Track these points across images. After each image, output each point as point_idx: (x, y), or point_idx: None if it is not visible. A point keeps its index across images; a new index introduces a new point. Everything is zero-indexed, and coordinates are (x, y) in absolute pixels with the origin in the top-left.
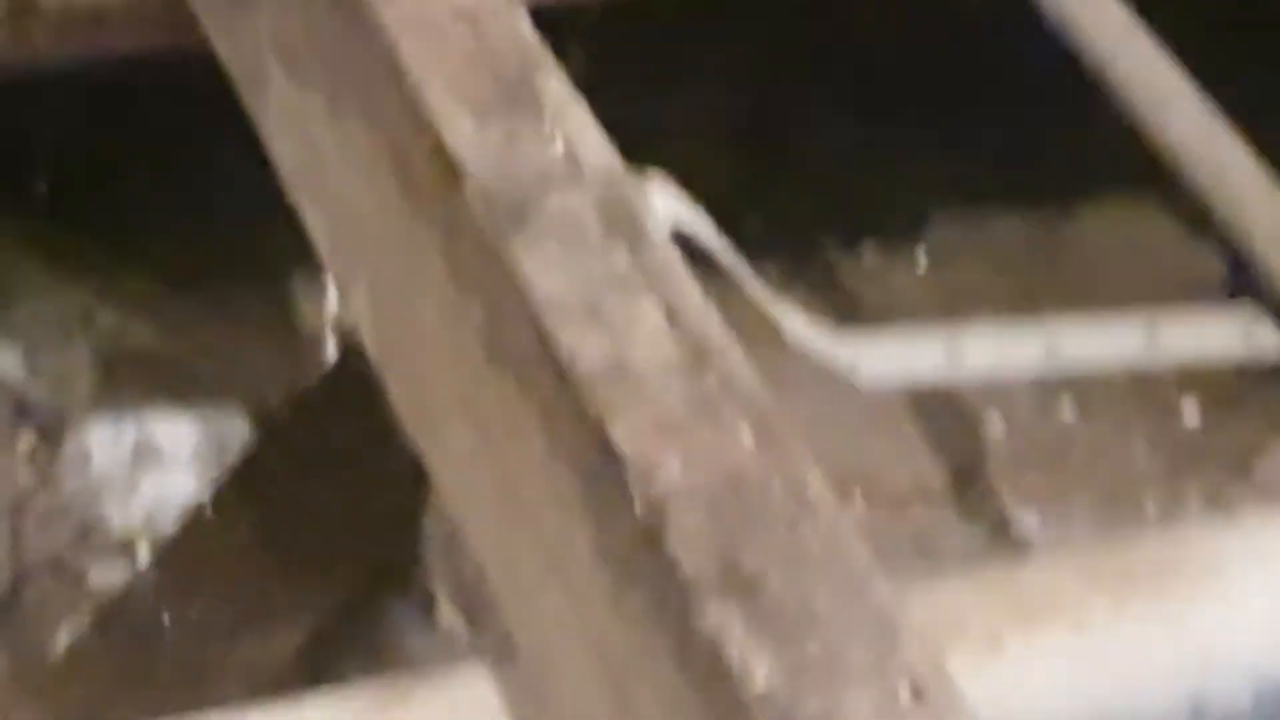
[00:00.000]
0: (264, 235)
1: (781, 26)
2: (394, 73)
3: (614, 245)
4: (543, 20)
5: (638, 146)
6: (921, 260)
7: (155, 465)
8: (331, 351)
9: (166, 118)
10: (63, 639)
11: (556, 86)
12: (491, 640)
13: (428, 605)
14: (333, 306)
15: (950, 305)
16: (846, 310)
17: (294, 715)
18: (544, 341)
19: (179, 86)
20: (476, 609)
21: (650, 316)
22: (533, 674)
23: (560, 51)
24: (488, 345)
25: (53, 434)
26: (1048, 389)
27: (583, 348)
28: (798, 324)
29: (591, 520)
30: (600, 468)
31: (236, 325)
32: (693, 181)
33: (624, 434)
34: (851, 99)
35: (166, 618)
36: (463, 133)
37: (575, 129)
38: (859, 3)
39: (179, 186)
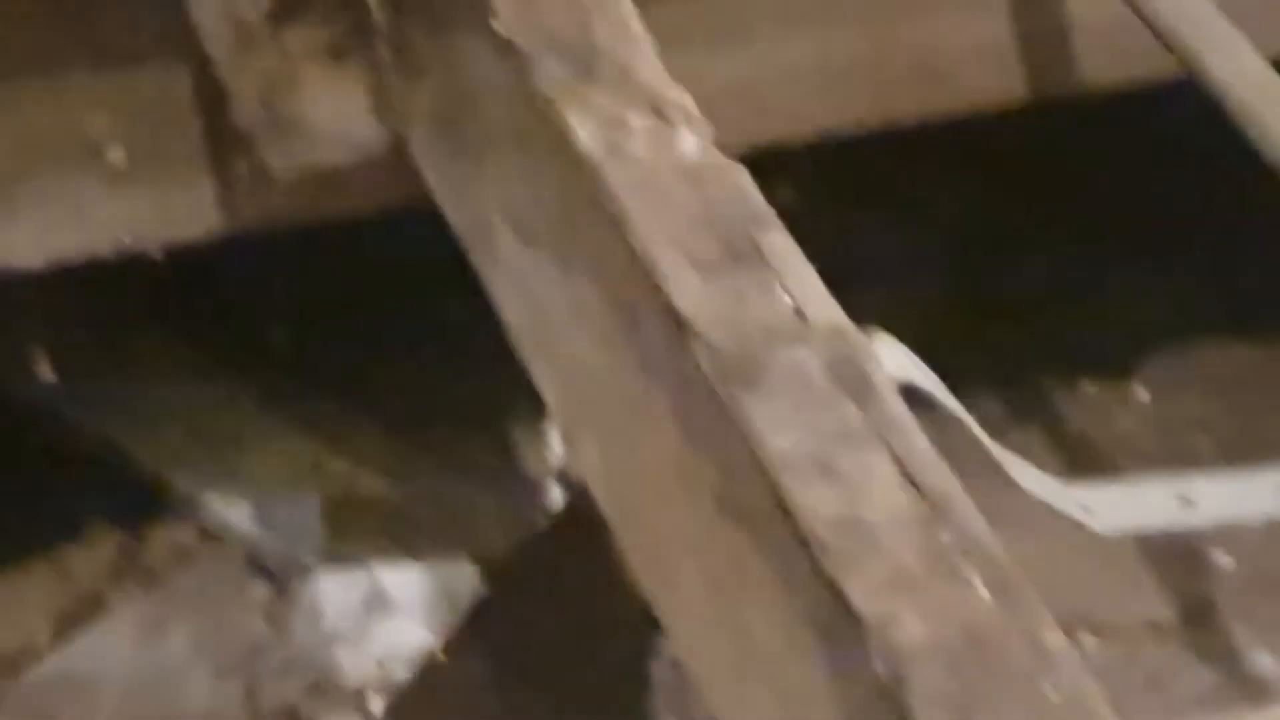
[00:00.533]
0: (487, 384)
1: (992, 161)
2: (622, 233)
3: (843, 399)
4: (754, 164)
5: (850, 287)
6: (1141, 393)
7: (386, 614)
8: (556, 498)
9: (393, 269)
10: None
11: (781, 242)
12: None
13: None
14: (556, 454)
15: (1173, 437)
16: (1069, 447)
17: None
18: (777, 497)
19: (407, 241)
20: None
21: (882, 470)
22: None
23: (771, 193)
24: (720, 499)
25: (285, 585)
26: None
27: (816, 503)
28: (1028, 475)
29: (830, 676)
30: (837, 624)
31: (463, 473)
32: (906, 320)
33: (860, 590)
34: (1063, 231)
35: None
36: (691, 290)
37: (801, 285)
38: (1069, 135)
39: (405, 336)
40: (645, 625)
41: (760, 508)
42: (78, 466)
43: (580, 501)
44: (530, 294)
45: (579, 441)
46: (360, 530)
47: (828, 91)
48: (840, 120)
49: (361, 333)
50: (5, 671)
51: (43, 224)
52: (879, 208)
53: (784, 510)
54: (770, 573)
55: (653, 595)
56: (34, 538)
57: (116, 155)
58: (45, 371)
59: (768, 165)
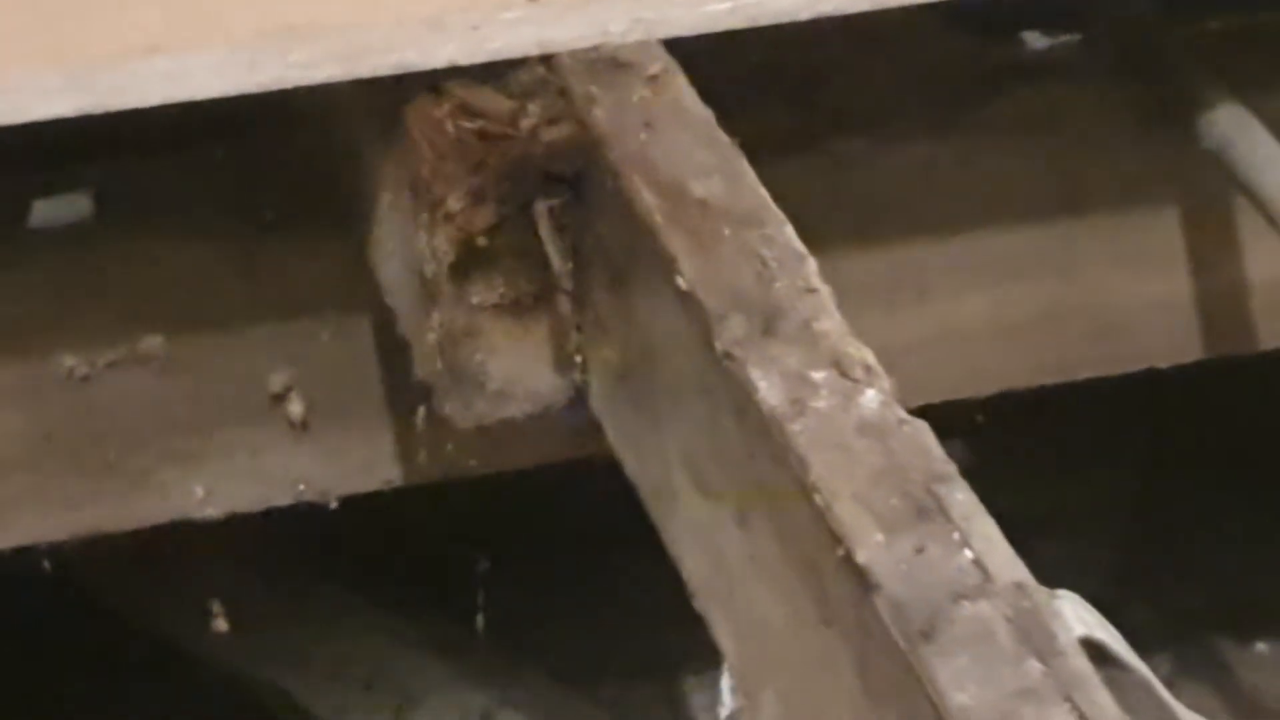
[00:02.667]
0: (657, 637)
1: (1165, 413)
2: (803, 487)
3: (1026, 655)
4: (933, 417)
5: (1026, 536)
6: None
7: None
8: None
9: (563, 520)
10: None
11: (964, 498)
12: None
13: None
14: (728, 708)
15: None
16: (1240, 706)
17: None
18: None
19: (575, 493)
20: None
21: None
22: None
23: (949, 446)
24: None
25: None
26: None
27: None
28: None
29: None
30: None
31: None
32: (1081, 570)
33: None
34: (1238, 487)
35: None
36: (873, 545)
37: (983, 541)
38: (1239, 386)
39: (573, 586)
40: None
41: None
42: (255, 718)
43: None
44: (710, 547)
45: (758, 695)
46: None
47: (1004, 348)
48: (1016, 377)
49: (529, 583)
50: None
51: (223, 476)
52: (1056, 456)
53: None
54: None
55: None
56: None
57: (296, 408)
58: (220, 623)
59: (946, 417)
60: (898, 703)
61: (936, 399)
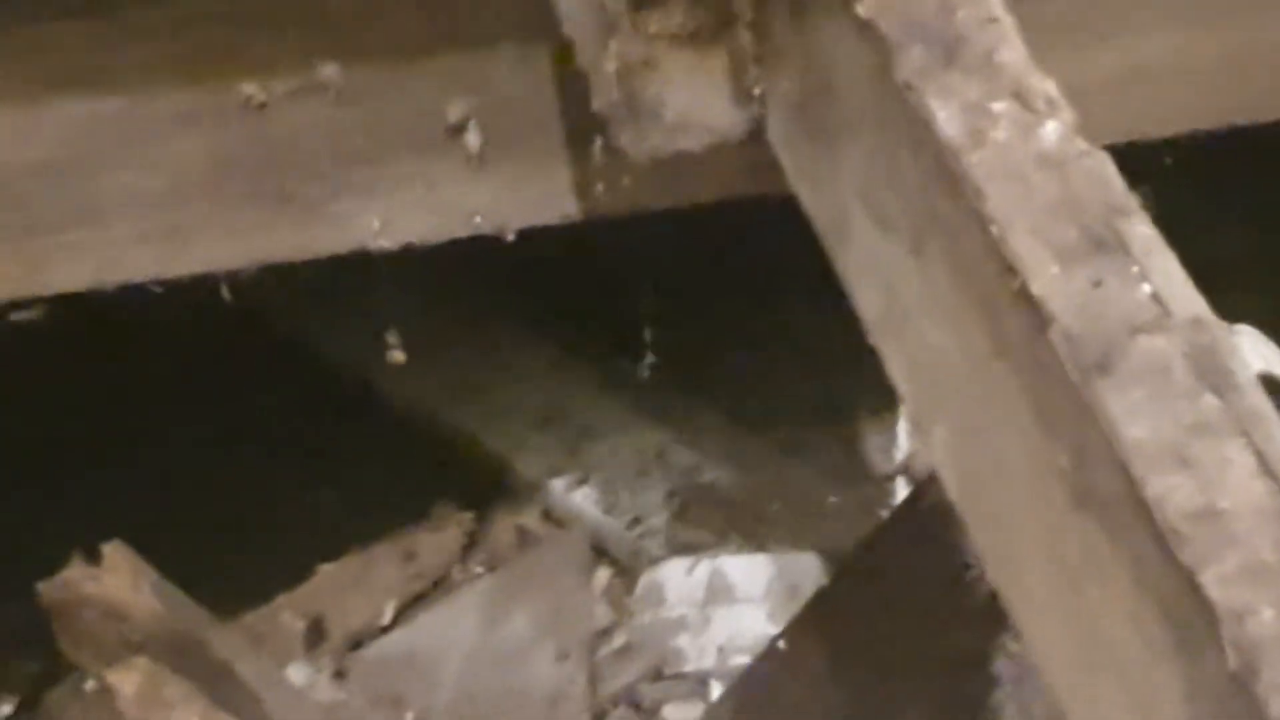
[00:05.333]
0: (835, 379)
1: None
2: (979, 219)
3: (1202, 389)
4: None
5: (1210, 283)
6: None
7: (728, 603)
8: (900, 494)
9: (741, 262)
10: None
11: (1143, 231)
12: None
13: None
14: (902, 450)
15: None
16: None
17: None
18: (1132, 487)
19: (753, 231)
20: None
21: (1240, 462)
22: None
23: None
24: (1073, 489)
25: (628, 570)
26: None
27: (1172, 493)
28: None
29: (1181, 668)
30: (1190, 614)
31: (807, 466)
32: (1265, 323)
33: (1215, 581)
34: None
35: None
36: (1048, 278)
37: (1162, 275)
38: None
39: (748, 327)
40: (990, 618)
41: (1114, 498)
42: (427, 450)
43: (926, 495)
44: (885, 280)
45: (929, 429)
46: (704, 519)
47: (1191, 89)
48: (1202, 118)
49: (712, 323)
50: (352, 646)
51: (399, 207)
52: (1234, 204)
53: (1138, 500)
54: (1122, 563)
55: (1000, 585)
56: (382, 519)
57: (473, 139)
58: (397, 355)
59: (1133, 159)
60: (1070, 437)
61: (1121, 138)
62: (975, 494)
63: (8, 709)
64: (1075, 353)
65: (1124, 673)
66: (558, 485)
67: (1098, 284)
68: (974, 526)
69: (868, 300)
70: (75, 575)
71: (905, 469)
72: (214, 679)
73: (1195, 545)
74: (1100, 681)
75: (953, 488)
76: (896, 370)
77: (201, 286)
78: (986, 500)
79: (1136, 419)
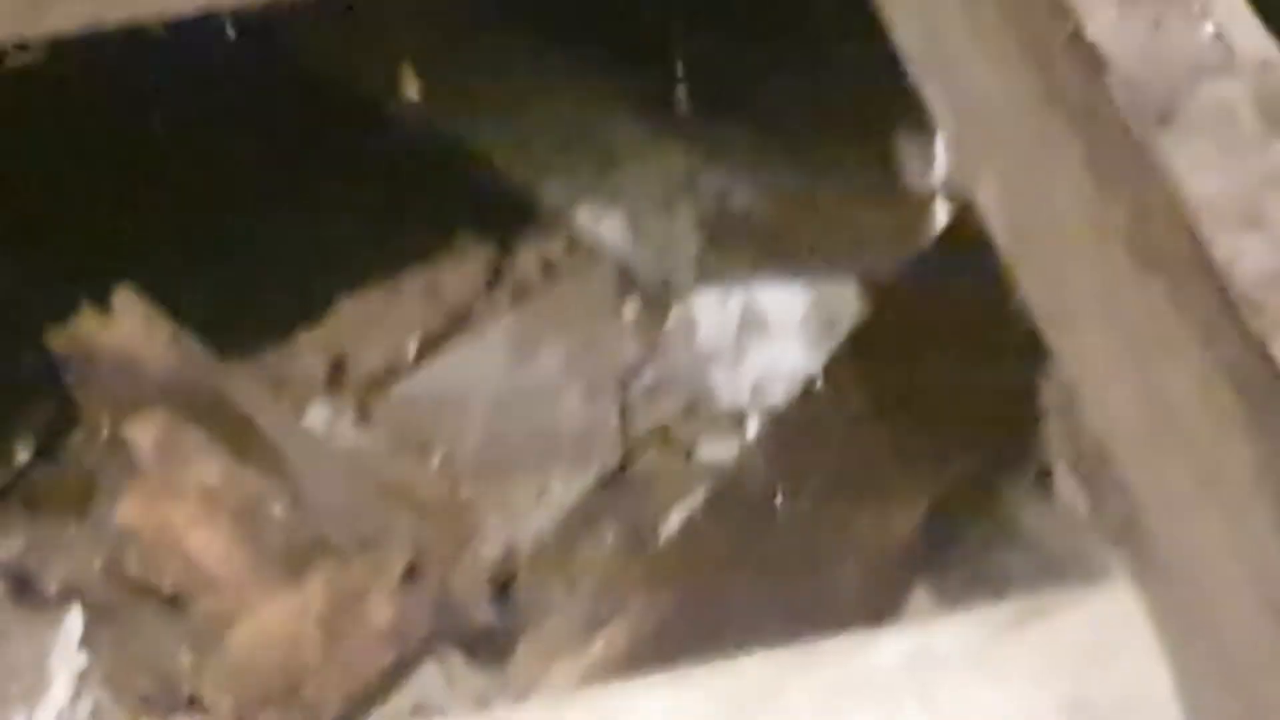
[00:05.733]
0: (870, 95)
1: None
2: None
3: (1273, 139)
4: None
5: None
6: None
7: (762, 335)
8: (941, 216)
9: None
10: (674, 516)
11: None
12: (1114, 521)
13: (1045, 478)
14: (942, 171)
15: None
16: None
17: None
18: (1198, 248)
19: None
20: (1095, 482)
21: None
22: (1180, 586)
23: None
24: (1133, 248)
25: (658, 302)
26: None
27: (1242, 255)
28: None
29: (1252, 439)
30: (1263, 384)
31: (842, 188)
32: None
33: None
34: None
35: (779, 497)
36: (1105, 19)
37: (1227, 12)
38: None
39: (780, 38)
40: (1035, 350)
41: (1178, 258)
42: (447, 179)
43: (969, 217)
44: (928, 20)
45: (976, 175)
46: (735, 246)
47: None
48: None
49: (730, 37)
50: (375, 386)
51: None
52: None
53: (1205, 262)
54: (1188, 329)
55: (1055, 340)
56: (403, 252)
57: None
58: (412, 89)
59: None
60: (1129, 192)
61: None
62: (1027, 244)
63: (25, 455)
64: (1133, 102)
65: (1191, 444)
66: (582, 213)
67: (1157, 24)
68: (1026, 277)
69: (910, 39)
70: (85, 324)
71: (946, 188)
72: (232, 430)
73: (1267, 311)
74: (1166, 452)
75: (1003, 235)
76: (941, 111)
77: (204, 25)
78: (1039, 252)
79: (1201, 173)
